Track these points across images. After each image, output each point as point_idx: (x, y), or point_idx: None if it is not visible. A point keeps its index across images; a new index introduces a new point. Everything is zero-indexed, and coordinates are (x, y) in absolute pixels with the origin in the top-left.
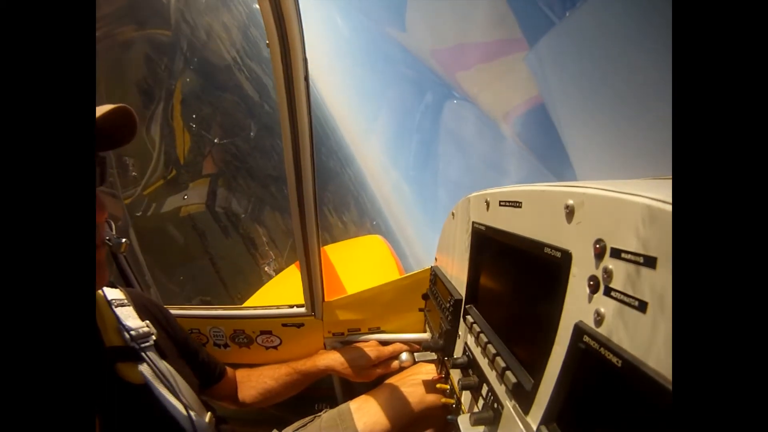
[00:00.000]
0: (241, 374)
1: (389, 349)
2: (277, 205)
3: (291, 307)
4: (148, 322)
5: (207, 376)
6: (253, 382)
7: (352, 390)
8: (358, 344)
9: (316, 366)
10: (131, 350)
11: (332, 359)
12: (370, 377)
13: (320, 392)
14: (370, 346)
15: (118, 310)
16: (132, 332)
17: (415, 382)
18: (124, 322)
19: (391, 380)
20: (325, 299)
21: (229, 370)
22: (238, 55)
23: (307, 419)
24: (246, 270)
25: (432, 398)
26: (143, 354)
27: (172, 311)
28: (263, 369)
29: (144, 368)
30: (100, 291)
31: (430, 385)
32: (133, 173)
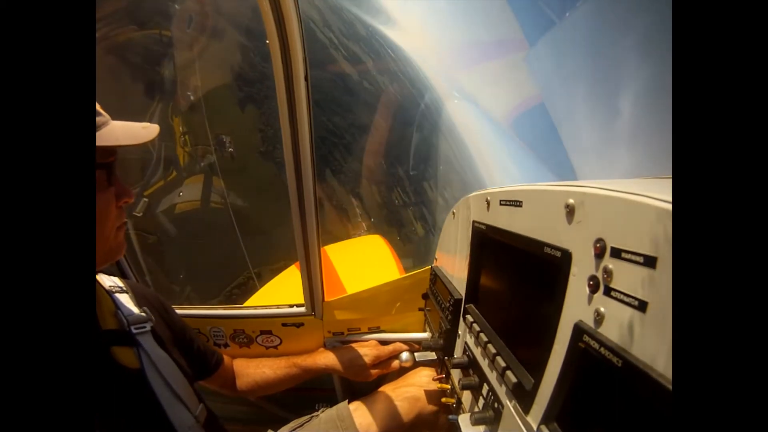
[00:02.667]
0: (239, 364)
1: (389, 348)
2: (373, 179)
3: (291, 306)
4: (146, 308)
5: (202, 366)
6: (251, 372)
7: (352, 390)
8: (358, 344)
9: (316, 363)
10: (127, 335)
11: (333, 358)
12: (370, 377)
13: (320, 392)
14: (370, 345)
15: (116, 296)
16: (129, 317)
17: (416, 387)
18: (121, 308)
19: (392, 384)
20: (325, 299)
21: (226, 358)
22: (334, 35)
23: (304, 419)
24: (341, 238)
25: (432, 404)
26: (139, 339)
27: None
28: (263, 360)
29: (138, 353)
30: (98, 277)
31: (430, 392)
32: (230, 149)
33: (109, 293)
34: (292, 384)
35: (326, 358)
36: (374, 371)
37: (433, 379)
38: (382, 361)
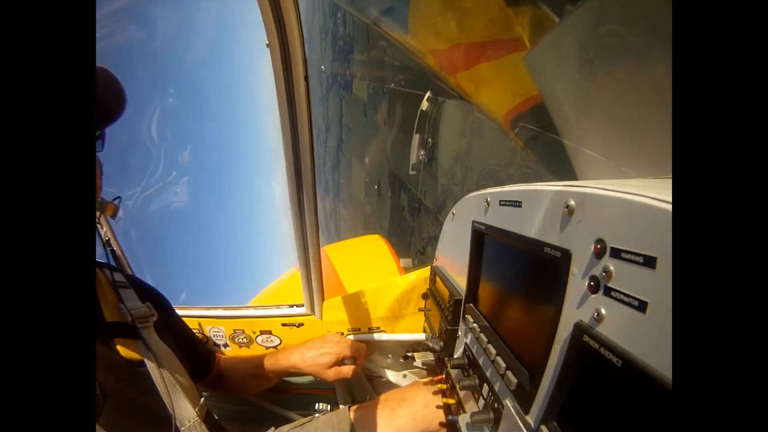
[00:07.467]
0: (224, 362)
1: (354, 347)
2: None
3: (291, 306)
4: (149, 304)
5: (198, 368)
6: (231, 372)
7: (352, 391)
8: (323, 339)
9: (279, 364)
10: (130, 327)
11: (295, 356)
12: (329, 378)
13: (321, 392)
14: (335, 342)
15: (121, 291)
16: (132, 311)
17: (421, 403)
18: (125, 302)
19: (396, 394)
20: (325, 299)
21: (217, 357)
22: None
23: (305, 419)
24: None
25: (436, 425)
26: (142, 333)
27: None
28: (241, 361)
29: (141, 346)
30: (101, 273)
31: (435, 412)
32: None
33: (114, 287)
34: (266, 386)
35: (288, 358)
36: (332, 372)
37: (434, 380)
38: (345, 361)
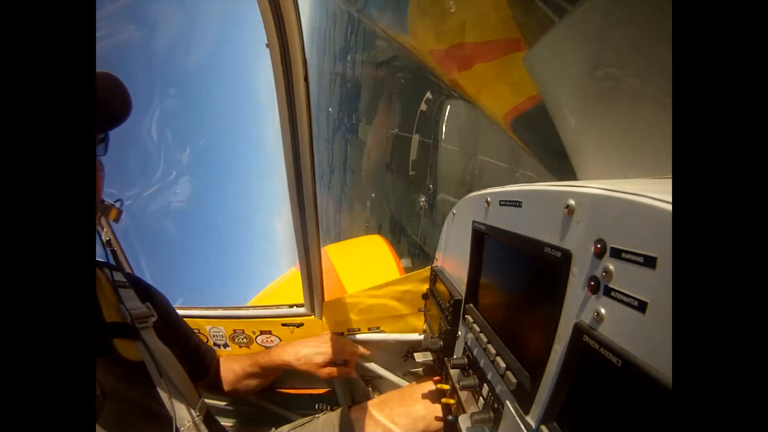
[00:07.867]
0: (221, 362)
1: (348, 351)
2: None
3: (291, 306)
4: (148, 304)
5: (198, 367)
6: (224, 371)
7: (352, 391)
8: (319, 338)
9: (272, 361)
10: (130, 328)
11: (289, 353)
12: (322, 375)
13: (321, 392)
14: (330, 342)
15: (120, 291)
16: (132, 311)
17: (421, 404)
18: (125, 302)
19: (396, 394)
20: (325, 299)
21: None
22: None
23: (305, 419)
24: None
25: (435, 426)
26: (141, 333)
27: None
28: (234, 359)
29: (140, 346)
30: (101, 272)
31: (435, 413)
32: None
33: (114, 287)
34: (261, 384)
35: (281, 355)
36: (325, 371)
37: (433, 380)
38: (339, 361)
